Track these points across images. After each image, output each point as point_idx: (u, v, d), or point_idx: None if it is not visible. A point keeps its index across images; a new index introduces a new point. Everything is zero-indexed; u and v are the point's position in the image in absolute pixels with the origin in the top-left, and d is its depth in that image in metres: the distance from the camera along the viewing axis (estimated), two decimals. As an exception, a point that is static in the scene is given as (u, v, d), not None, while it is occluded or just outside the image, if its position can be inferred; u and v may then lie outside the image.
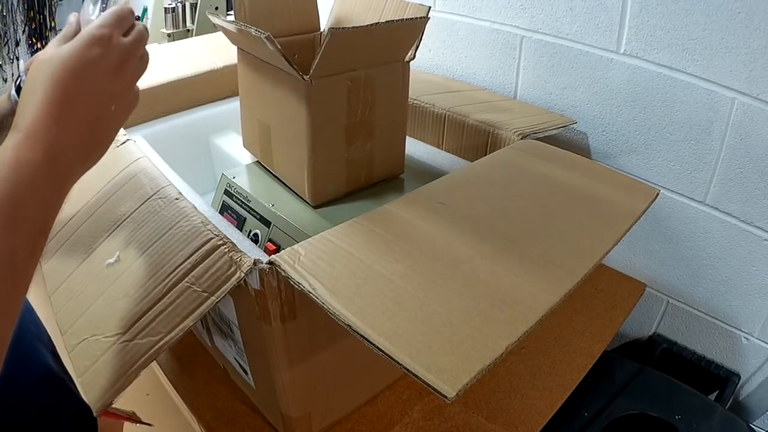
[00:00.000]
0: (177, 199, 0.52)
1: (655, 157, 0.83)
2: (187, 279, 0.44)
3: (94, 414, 0.39)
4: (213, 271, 0.44)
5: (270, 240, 0.65)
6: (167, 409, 0.69)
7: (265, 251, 0.61)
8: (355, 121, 0.63)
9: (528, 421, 0.66)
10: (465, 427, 0.65)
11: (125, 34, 0.40)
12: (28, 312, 0.55)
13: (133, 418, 0.58)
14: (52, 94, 0.36)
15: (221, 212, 0.71)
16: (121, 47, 0.39)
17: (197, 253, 0.45)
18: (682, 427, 0.74)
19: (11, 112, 0.46)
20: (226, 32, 0.65)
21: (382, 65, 0.63)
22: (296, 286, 0.42)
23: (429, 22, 0.62)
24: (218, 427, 0.64)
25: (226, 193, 0.72)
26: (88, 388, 0.41)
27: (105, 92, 0.39)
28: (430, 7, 0.63)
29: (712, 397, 0.87)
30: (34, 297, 0.49)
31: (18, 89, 0.46)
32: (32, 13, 2.79)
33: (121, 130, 0.63)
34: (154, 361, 0.48)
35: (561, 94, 0.90)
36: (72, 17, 0.43)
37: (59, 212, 0.37)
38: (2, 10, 2.67)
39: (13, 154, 0.33)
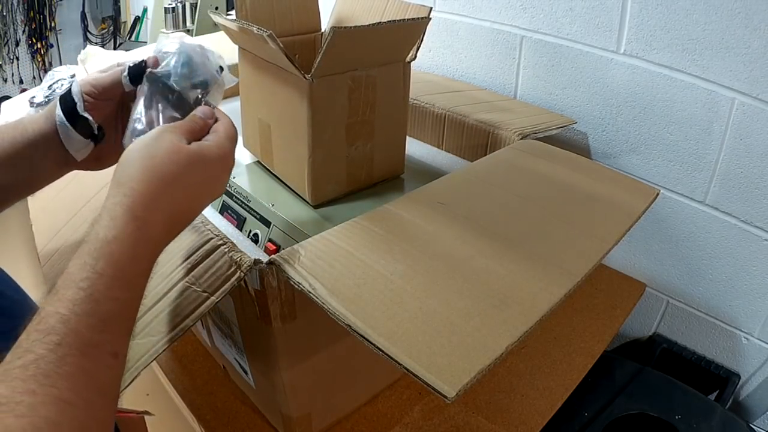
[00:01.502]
0: (177, 198, 0.52)
1: (655, 157, 0.83)
2: (187, 279, 0.44)
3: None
4: (213, 271, 0.44)
5: (270, 240, 0.65)
6: (167, 409, 0.69)
7: (265, 251, 0.61)
8: (355, 120, 0.63)
9: (528, 421, 0.66)
10: (465, 427, 0.65)
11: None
12: None
13: (141, 413, 0.58)
14: (176, 203, 0.37)
15: (221, 212, 0.71)
16: (231, 169, 0.42)
17: (197, 253, 0.45)
18: (682, 427, 0.74)
19: (49, 133, 0.44)
20: (228, 31, 0.65)
21: (384, 65, 0.63)
22: (296, 286, 0.42)
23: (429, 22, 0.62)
24: (218, 427, 0.64)
25: (226, 193, 0.72)
26: (89, 387, 0.41)
27: (209, 202, 0.42)
28: (431, 8, 0.63)
29: (712, 397, 0.87)
30: (35, 297, 0.49)
31: (65, 109, 0.43)
32: (32, 13, 2.79)
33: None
34: (154, 361, 0.48)
35: (561, 94, 0.90)
36: (205, 111, 0.43)
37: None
38: (2, 10, 2.67)
39: (142, 264, 0.34)
